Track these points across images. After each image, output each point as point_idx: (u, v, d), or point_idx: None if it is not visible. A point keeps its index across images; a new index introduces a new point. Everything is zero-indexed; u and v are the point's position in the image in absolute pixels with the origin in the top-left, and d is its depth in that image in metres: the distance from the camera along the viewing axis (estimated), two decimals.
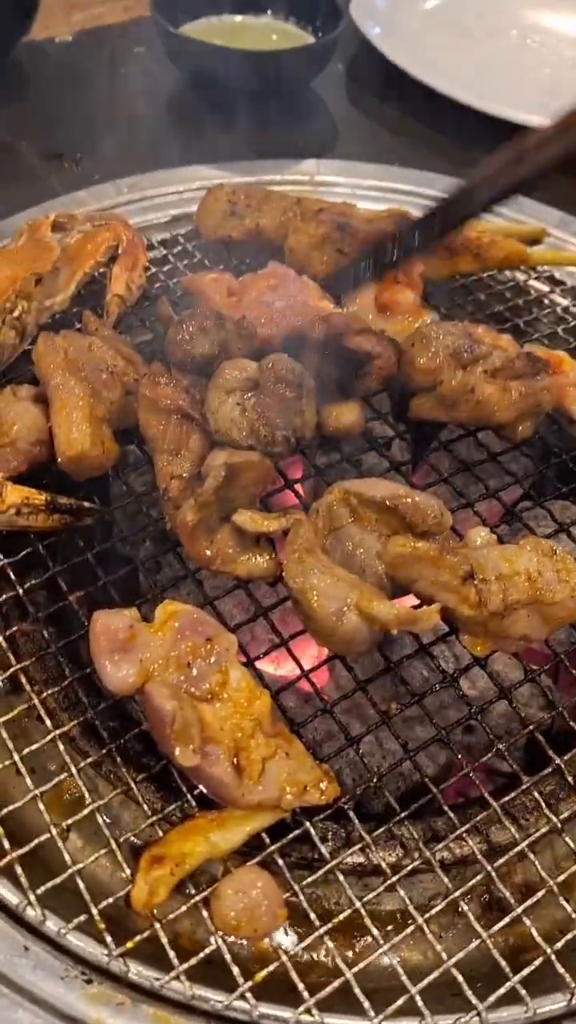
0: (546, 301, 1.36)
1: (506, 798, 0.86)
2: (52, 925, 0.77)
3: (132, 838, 0.83)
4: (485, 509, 1.04)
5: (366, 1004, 0.74)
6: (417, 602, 0.89)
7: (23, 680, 0.90)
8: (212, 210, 1.30)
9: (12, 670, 0.91)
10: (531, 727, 0.90)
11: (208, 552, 0.93)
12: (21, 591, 0.95)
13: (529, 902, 0.80)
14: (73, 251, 1.21)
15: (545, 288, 1.38)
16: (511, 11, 2.01)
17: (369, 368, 1.05)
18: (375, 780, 0.85)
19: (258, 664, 0.91)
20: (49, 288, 1.15)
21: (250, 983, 0.74)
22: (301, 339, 1.01)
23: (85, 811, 0.83)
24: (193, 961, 0.75)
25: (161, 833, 0.81)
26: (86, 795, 0.84)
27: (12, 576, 0.96)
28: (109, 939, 0.76)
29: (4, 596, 0.96)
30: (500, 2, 2.02)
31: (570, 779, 0.88)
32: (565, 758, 0.88)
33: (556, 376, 1.08)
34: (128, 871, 0.79)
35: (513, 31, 1.96)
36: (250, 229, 1.31)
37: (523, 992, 0.75)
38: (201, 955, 0.75)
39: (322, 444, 1.10)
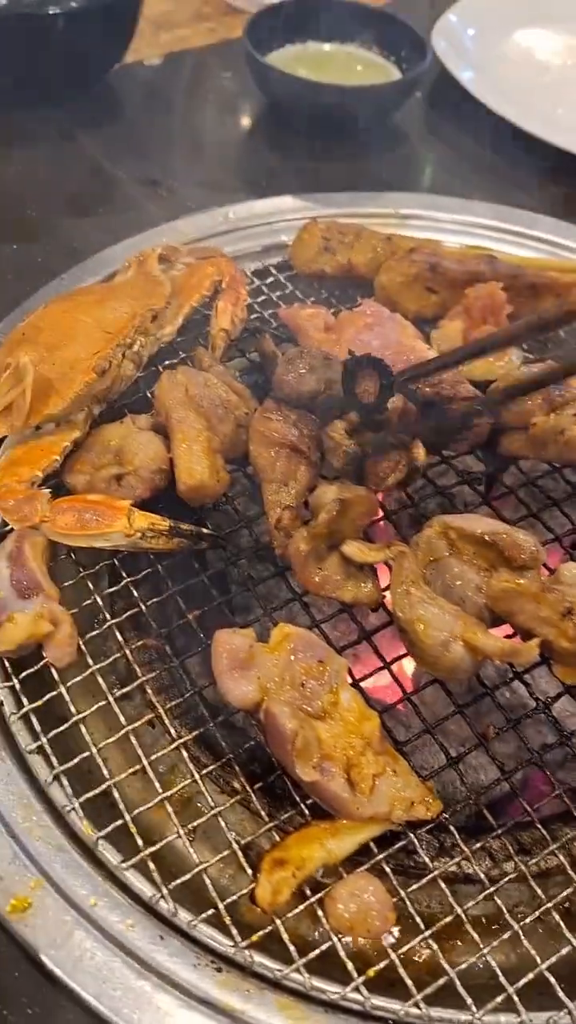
0: None
1: None
2: (183, 916, 0.85)
3: (248, 842, 0.92)
4: (570, 543, 1.12)
5: (468, 1000, 0.82)
6: (511, 631, 0.97)
7: (149, 691, 0.99)
8: (307, 245, 1.38)
9: (138, 682, 0.99)
10: None
11: (317, 579, 1.00)
12: (144, 608, 1.04)
13: None
14: (180, 285, 1.28)
15: None
16: None
17: (466, 436, 1.12)
18: (474, 798, 0.93)
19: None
20: (160, 321, 1.22)
21: (363, 977, 0.83)
22: (413, 396, 1.08)
23: (207, 816, 0.91)
24: (312, 955, 0.83)
25: (278, 838, 0.89)
26: (210, 800, 0.92)
27: (135, 594, 1.04)
28: (235, 932, 0.84)
29: (128, 613, 1.04)
30: None
31: None
32: None
33: None
34: (249, 872, 0.87)
35: None
36: (342, 265, 1.38)
37: None
38: (318, 951, 0.84)
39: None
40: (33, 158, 1.60)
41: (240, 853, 0.89)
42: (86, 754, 0.94)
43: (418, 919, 0.86)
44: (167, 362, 1.27)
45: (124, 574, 1.06)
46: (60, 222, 1.49)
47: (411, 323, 1.27)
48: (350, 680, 0.96)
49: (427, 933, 0.85)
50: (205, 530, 1.06)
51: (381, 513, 1.12)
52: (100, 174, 1.59)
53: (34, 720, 0.96)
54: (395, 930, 0.89)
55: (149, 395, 1.21)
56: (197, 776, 0.93)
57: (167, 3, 2.01)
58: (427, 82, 1.82)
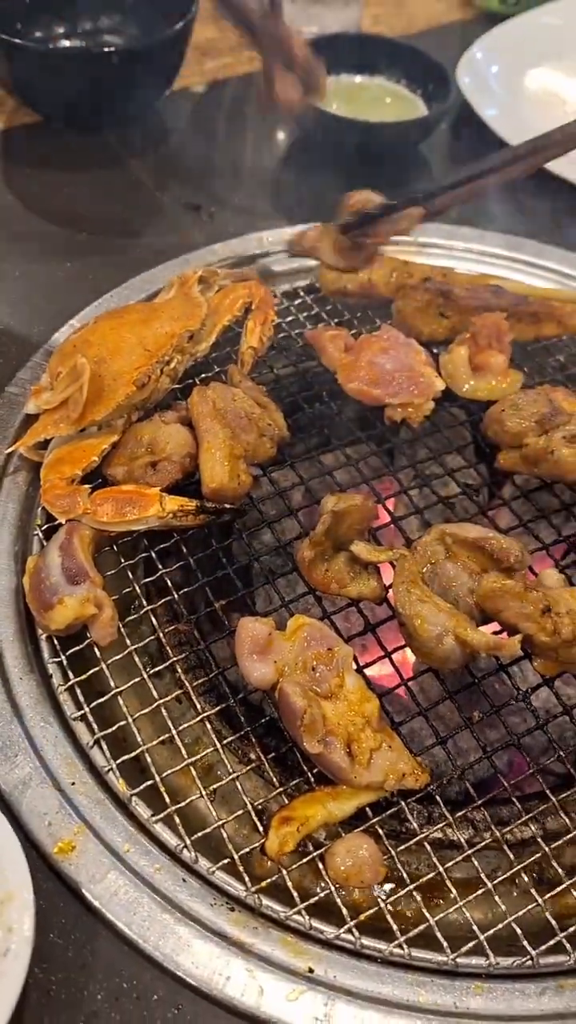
0: None
1: (563, 795, 1.06)
2: (203, 864, 0.99)
3: (260, 805, 1.05)
4: (555, 551, 1.25)
5: (445, 944, 0.95)
6: (498, 629, 1.09)
7: (179, 670, 1.13)
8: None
9: (170, 662, 1.13)
10: None
11: (324, 578, 1.14)
12: (176, 596, 1.17)
13: None
14: (214, 305, 1.41)
15: None
16: None
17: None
18: (459, 773, 1.06)
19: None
20: (196, 339, 1.36)
21: (355, 921, 0.96)
22: None
23: (226, 780, 1.05)
24: (311, 900, 0.97)
25: (287, 801, 1.02)
26: (228, 768, 1.06)
27: (169, 584, 1.18)
28: (247, 879, 0.98)
29: (162, 601, 1.18)
30: None
31: None
32: None
33: None
34: (261, 830, 1.01)
35: None
36: (363, 283, 1.50)
37: (568, 945, 0.95)
38: (317, 897, 0.97)
39: (422, 486, 1.31)
40: (86, 181, 1.73)
41: (253, 814, 1.02)
42: (122, 723, 1.07)
43: (405, 876, 0.99)
44: (203, 375, 1.40)
45: (159, 566, 1.19)
46: (109, 242, 1.62)
47: (424, 346, 1.39)
48: (355, 666, 1.09)
49: (412, 886, 0.98)
50: (227, 505, 1.19)
51: (389, 518, 1.25)
52: (147, 197, 1.72)
53: (78, 692, 1.09)
54: (385, 884, 1.03)
55: (178, 394, 1.35)
56: (219, 746, 1.07)
57: (212, 31, 2.14)
58: (450, 112, 1.93)
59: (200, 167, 1.82)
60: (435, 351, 1.41)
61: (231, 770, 1.05)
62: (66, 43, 1.93)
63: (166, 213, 1.70)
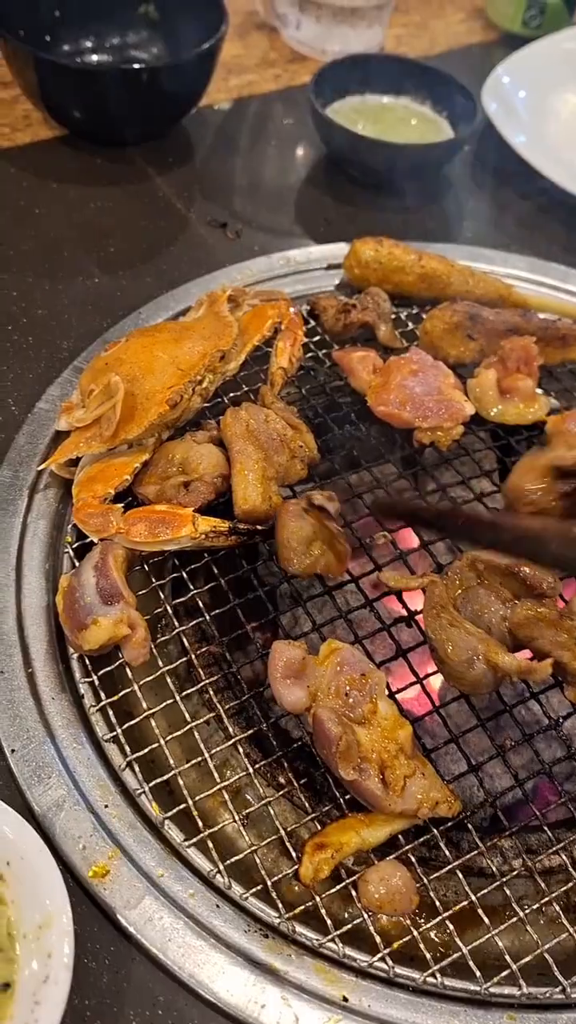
0: None
1: None
2: (237, 890, 0.99)
3: (291, 830, 1.05)
4: None
5: (478, 974, 0.95)
6: (530, 656, 1.09)
7: (210, 693, 1.13)
8: (359, 260, 1.52)
9: (202, 684, 1.13)
10: None
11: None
12: (207, 618, 1.17)
13: None
14: (244, 325, 1.42)
15: None
16: None
17: None
18: (490, 802, 1.06)
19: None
20: (226, 359, 1.36)
21: (389, 949, 0.96)
22: None
23: (257, 805, 1.05)
24: (345, 928, 0.97)
25: (318, 827, 1.03)
26: (259, 792, 1.06)
27: (200, 605, 1.18)
28: (280, 906, 0.98)
29: (194, 622, 1.18)
30: None
31: None
32: None
33: None
34: (293, 855, 1.01)
35: None
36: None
37: None
38: (350, 925, 0.97)
39: None
40: (113, 196, 1.73)
41: (286, 839, 1.02)
42: (153, 745, 1.07)
43: (437, 904, 0.99)
44: (231, 395, 1.40)
45: (191, 587, 1.19)
46: (136, 259, 1.62)
47: (452, 369, 1.39)
48: (387, 692, 1.09)
49: (444, 915, 0.98)
50: (259, 527, 1.19)
51: (418, 542, 1.25)
52: (173, 214, 1.71)
53: (110, 713, 1.09)
54: (417, 912, 1.03)
55: (208, 414, 1.35)
56: (250, 770, 1.07)
57: (237, 48, 2.15)
58: (474, 136, 1.94)
59: (225, 185, 1.82)
60: (460, 373, 1.41)
61: (262, 795, 1.05)
62: (94, 57, 1.93)
63: (192, 230, 1.70)
